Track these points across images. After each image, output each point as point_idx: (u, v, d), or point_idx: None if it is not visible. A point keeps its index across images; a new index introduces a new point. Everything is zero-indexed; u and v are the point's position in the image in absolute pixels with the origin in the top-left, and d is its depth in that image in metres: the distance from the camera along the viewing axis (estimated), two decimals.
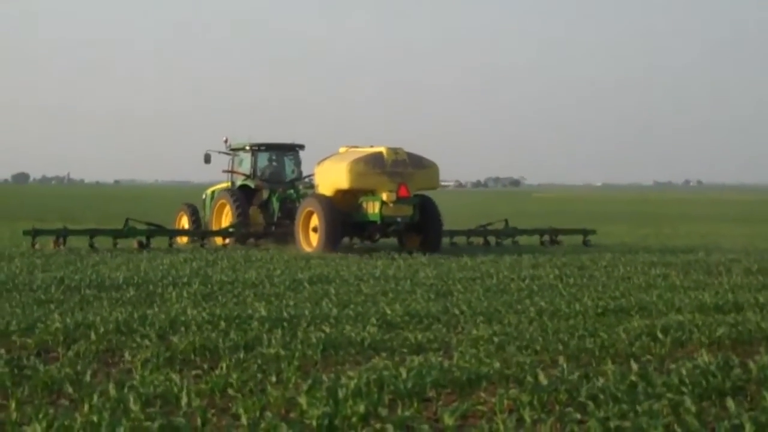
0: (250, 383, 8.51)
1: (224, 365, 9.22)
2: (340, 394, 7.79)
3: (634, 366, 9.07)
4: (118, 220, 29.39)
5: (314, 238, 25.33)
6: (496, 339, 10.88)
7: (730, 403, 7.70)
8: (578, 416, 7.38)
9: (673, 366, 9.25)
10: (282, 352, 9.87)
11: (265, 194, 28.99)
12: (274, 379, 8.75)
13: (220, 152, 29.97)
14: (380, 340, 10.81)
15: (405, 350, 10.41)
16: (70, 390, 8.31)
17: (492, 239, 29.86)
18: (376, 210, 25.14)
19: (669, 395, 7.99)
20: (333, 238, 25.01)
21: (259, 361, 9.53)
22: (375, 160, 25.42)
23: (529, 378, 8.51)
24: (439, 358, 9.61)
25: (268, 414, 7.42)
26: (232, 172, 29.89)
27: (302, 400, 7.66)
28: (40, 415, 7.09)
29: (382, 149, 25.66)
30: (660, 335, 11.15)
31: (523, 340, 10.91)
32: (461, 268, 20.14)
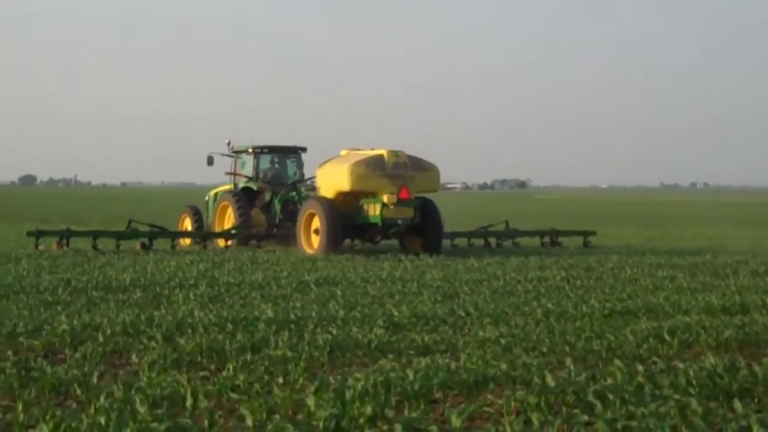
0: (256, 385, 8.51)
1: (231, 367, 9.23)
2: (347, 395, 7.78)
3: (641, 367, 9.07)
4: (123, 222, 29.43)
5: (316, 240, 25.42)
6: (503, 341, 10.88)
7: (737, 404, 7.69)
8: (585, 418, 7.37)
9: (680, 367, 9.23)
10: (289, 354, 9.88)
11: (267, 196, 29.04)
12: (281, 380, 8.76)
13: (223, 154, 30.07)
14: (387, 342, 10.81)
15: (412, 352, 10.41)
16: (77, 392, 8.33)
17: (492, 240, 29.96)
18: (377, 212, 25.21)
19: (676, 397, 7.99)
20: (334, 240, 25.08)
21: (266, 363, 9.53)
22: (376, 162, 25.49)
23: (536, 379, 8.49)
24: (446, 360, 9.60)
25: (275, 416, 7.43)
26: (234, 174, 29.95)
27: (309, 402, 7.65)
28: (47, 417, 7.10)
29: (383, 152, 25.75)
30: (667, 337, 11.15)
31: (530, 341, 10.91)
32: (468, 270, 20.13)
